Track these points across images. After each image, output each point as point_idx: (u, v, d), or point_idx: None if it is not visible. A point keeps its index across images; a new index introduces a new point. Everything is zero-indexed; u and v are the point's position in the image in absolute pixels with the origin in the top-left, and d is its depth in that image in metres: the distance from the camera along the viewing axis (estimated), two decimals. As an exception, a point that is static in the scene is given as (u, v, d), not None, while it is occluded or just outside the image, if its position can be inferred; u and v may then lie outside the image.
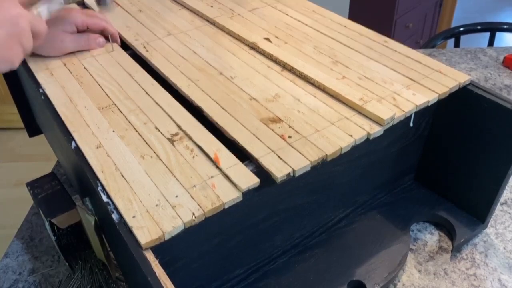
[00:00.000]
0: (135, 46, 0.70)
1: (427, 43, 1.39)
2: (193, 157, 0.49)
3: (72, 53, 0.68)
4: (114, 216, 0.43)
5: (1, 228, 1.42)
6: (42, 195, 0.62)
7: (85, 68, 0.65)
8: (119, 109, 0.57)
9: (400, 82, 0.60)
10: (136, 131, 0.53)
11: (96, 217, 0.53)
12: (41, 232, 0.72)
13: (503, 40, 2.50)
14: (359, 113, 0.55)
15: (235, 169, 0.47)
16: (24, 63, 0.66)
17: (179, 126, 0.53)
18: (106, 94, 0.60)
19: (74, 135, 0.53)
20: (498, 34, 1.42)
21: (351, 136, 0.51)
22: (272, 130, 0.52)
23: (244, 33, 0.71)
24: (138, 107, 0.57)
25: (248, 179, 0.45)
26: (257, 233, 0.57)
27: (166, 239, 0.41)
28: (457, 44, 1.43)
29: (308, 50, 0.67)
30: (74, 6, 0.83)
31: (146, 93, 0.59)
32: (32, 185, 0.64)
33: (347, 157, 0.52)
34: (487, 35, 1.44)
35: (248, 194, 0.45)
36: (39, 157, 1.71)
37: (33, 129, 0.86)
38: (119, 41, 0.72)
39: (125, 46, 0.72)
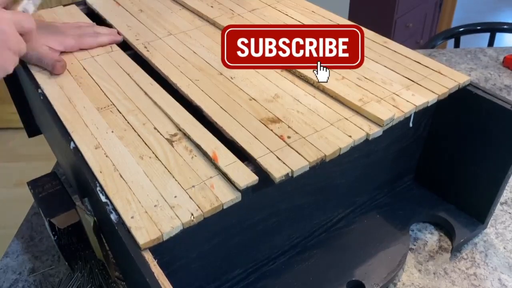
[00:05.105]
0: (135, 46, 0.70)
1: (427, 43, 1.39)
2: (192, 157, 0.49)
3: (71, 53, 0.68)
4: (113, 217, 0.43)
5: (1, 228, 1.42)
6: (43, 194, 0.62)
7: (84, 68, 0.65)
8: (118, 110, 0.57)
9: (400, 83, 0.60)
10: (135, 131, 0.53)
11: (95, 218, 0.53)
12: (41, 231, 0.72)
13: (503, 40, 2.49)
14: (359, 113, 0.55)
15: (233, 167, 0.47)
16: (23, 63, 0.66)
17: (178, 127, 0.53)
18: (105, 94, 0.60)
19: (73, 135, 0.53)
20: (498, 34, 1.42)
21: (350, 136, 0.51)
22: (271, 130, 0.52)
23: (244, 33, 0.71)
24: (137, 108, 0.57)
25: (246, 177, 0.45)
26: (256, 234, 0.57)
27: (164, 240, 0.41)
28: (457, 45, 1.43)
29: (307, 50, 0.67)
30: (76, 10, 0.83)
31: (145, 93, 0.59)
32: (33, 184, 0.64)
33: (346, 157, 0.52)
34: (487, 35, 1.43)
35: (247, 195, 0.45)
36: (39, 157, 1.71)
37: (32, 129, 0.86)
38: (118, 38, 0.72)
39: (126, 46, 0.72)
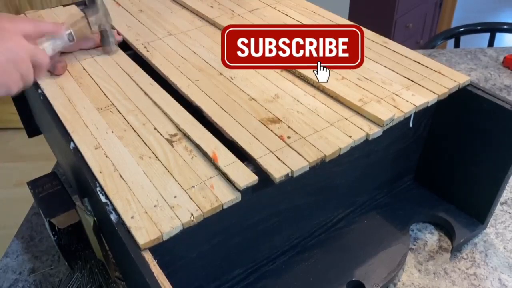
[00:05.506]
0: (135, 46, 0.70)
1: (427, 44, 1.39)
2: (192, 157, 0.49)
3: (71, 53, 0.68)
4: (113, 217, 0.43)
5: (1, 228, 1.42)
6: (43, 194, 0.62)
7: (84, 68, 0.65)
8: (118, 110, 0.57)
9: (400, 83, 0.60)
10: (135, 131, 0.53)
11: (95, 218, 0.53)
12: (41, 231, 0.72)
13: (503, 40, 2.49)
14: (358, 114, 0.55)
15: (233, 167, 0.47)
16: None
17: (178, 127, 0.53)
18: (105, 94, 0.60)
19: (73, 135, 0.53)
20: (498, 34, 1.42)
21: (350, 137, 0.51)
22: (271, 130, 0.52)
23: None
24: (137, 108, 0.57)
25: (246, 177, 0.45)
26: (256, 234, 0.57)
27: (164, 240, 0.41)
28: (457, 45, 1.43)
29: (307, 50, 0.67)
30: (76, 10, 0.83)
31: (145, 93, 0.59)
32: (33, 184, 0.64)
33: (347, 157, 0.52)
34: (487, 35, 1.43)
35: (247, 195, 0.45)
36: (39, 157, 1.71)
37: (32, 129, 0.86)
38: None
39: (126, 46, 0.72)
